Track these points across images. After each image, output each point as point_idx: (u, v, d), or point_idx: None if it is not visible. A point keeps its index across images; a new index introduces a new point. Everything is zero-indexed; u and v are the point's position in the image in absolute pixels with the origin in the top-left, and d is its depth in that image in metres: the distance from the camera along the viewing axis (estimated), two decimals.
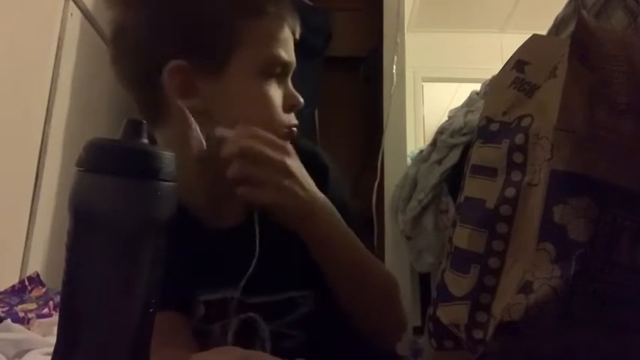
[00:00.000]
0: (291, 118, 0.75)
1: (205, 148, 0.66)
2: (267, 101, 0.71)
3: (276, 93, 0.72)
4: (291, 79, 0.76)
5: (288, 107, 0.73)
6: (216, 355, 0.52)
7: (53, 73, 1.36)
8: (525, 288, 0.43)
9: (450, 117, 1.78)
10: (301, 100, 0.75)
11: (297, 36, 0.77)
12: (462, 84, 2.71)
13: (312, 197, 0.67)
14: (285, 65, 0.73)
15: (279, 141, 0.66)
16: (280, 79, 0.73)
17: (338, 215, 0.71)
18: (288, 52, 0.73)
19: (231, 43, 0.68)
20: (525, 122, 0.50)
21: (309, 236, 0.68)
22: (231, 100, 0.69)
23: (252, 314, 0.67)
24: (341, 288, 0.71)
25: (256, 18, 0.70)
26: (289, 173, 0.65)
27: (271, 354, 0.55)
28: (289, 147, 0.67)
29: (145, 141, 0.38)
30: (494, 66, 0.69)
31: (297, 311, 0.73)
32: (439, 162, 1.68)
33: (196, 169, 0.69)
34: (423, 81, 2.64)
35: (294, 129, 0.75)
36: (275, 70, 0.71)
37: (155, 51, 0.67)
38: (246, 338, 0.68)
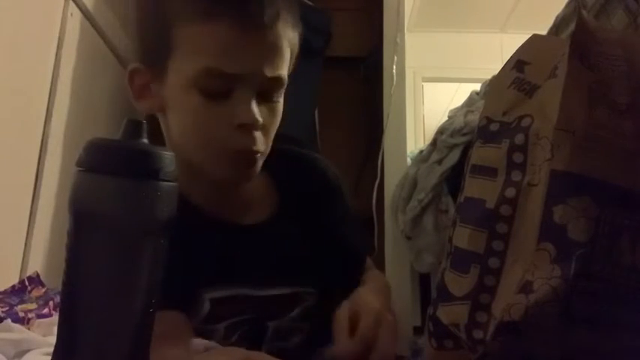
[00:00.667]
0: (245, 139, 0.63)
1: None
2: (200, 117, 0.63)
3: (217, 108, 0.62)
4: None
5: (236, 126, 0.62)
6: (218, 356, 0.52)
7: (53, 73, 1.36)
8: (525, 288, 0.43)
9: (450, 117, 1.78)
10: (254, 118, 0.62)
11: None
12: (462, 84, 2.71)
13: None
14: (225, 77, 0.62)
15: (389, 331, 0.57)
16: (233, 93, 0.63)
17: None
18: (235, 62, 0.61)
19: (168, 49, 0.64)
20: (525, 122, 0.50)
21: None
22: (171, 109, 0.66)
23: (256, 315, 0.67)
24: None
25: (198, 22, 0.61)
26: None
27: (277, 353, 0.55)
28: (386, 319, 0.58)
29: (145, 141, 0.38)
30: (494, 66, 0.69)
31: (303, 306, 0.74)
32: (439, 162, 1.68)
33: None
34: (423, 81, 2.64)
35: (257, 155, 0.65)
36: (212, 84, 0.62)
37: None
38: (249, 338, 0.68)
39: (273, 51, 0.64)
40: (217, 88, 0.62)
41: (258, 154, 0.66)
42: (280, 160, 0.74)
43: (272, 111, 0.67)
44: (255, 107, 0.63)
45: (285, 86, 0.69)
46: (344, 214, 0.80)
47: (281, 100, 0.69)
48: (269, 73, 0.64)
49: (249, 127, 0.63)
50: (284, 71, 0.67)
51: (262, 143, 0.66)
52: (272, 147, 0.78)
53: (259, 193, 0.76)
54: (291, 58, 0.70)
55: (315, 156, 0.84)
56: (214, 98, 0.63)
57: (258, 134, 0.64)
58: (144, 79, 0.68)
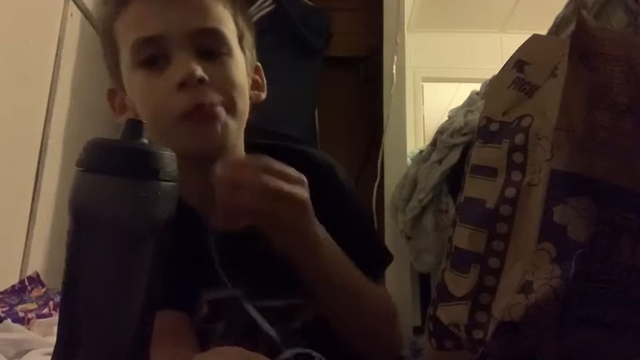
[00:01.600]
0: (191, 96, 0.62)
1: None
2: (145, 92, 0.64)
3: (159, 78, 0.63)
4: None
5: (176, 86, 0.61)
6: (216, 356, 0.52)
7: (53, 73, 1.37)
8: (525, 288, 0.43)
9: (450, 117, 1.78)
10: (191, 73, 0.61)
11: None
12: (462, 84, 2.71)
13: (320, 234, 0.62)
14: (154, 41, 0.63)
15: (294, 173, 0.59)
16: (167, 58, 0.63)
17: (337, 248, 0.65)
18: (155, 25, 0.63)
19: (114, 49, 0.68)
20: (525, 122, 0.50)
21: (310, 271, 0.63)
22: (132, 102, 0.68)
23: (256, 317, 0.66)
24: (336, 315, 0.67)
25: (122, 12, 0.65)
26: (305, 209, 0.60)
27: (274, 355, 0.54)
28: (303, 178, 0.60)
29: (145, 141, 0.38)
30: (494, 66, 0.69)
31: (299, 319, 0.72)
32: (439, 162, 1.68)
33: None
34: (423, 81, 2.63)
35: (212, 107, 0.63)
36: (144, 52, 0.63)
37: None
38: (249, 338, 0.68)
39: (191, 6, 0.65)
40: (152, 56, 0.63)
41: (213, 106, 0.63)
42: (282, 158, 0.72)
43: (219, 66, 0.65)
44: (193, 64, 0.62)
45: (229, 40, 0.67)
46: (355, 220, 0.76)
47: (230, 55, 0.67)
48: (197, 24, 0.64)
49: (190, 84, 0.61)
50: (218, 24, 0.66)
51: (215, 96, 0.63)
52: (272, 144, 0.75)
53: None
54: (233, 17, 0.70)
55: (334, 167, 0.79)
56: (155, 69, 0.63)
57: (205, 89, 0.62)
58: (120, 97, 0.71)
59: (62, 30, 1.39)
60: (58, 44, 1.38)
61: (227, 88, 0.65)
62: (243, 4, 0.73)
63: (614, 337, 0.43)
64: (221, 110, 0.63)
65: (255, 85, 0.76)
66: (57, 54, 1.37)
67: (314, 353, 0.60)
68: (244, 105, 0.69)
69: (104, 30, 0.69)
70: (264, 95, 0.77)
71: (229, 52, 0.67)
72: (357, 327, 0.68)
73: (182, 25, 0.63)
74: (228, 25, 0.68)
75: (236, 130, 0.67)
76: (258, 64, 0.78)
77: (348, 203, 0.76)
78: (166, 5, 0.63)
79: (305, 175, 0.65)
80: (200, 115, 0.62)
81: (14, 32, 1.17)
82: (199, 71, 0.61)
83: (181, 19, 0.64)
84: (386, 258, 0.80)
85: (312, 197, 0.64)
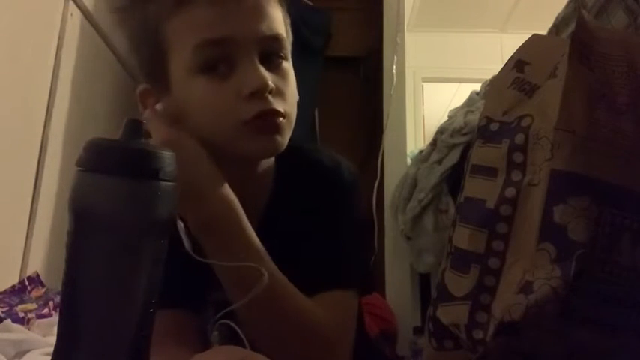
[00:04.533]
0: (260, 105, 0.61)
1: None
2: (208, 98, 0.62)
3: (222, 84, 0.61)
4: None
5: (246, 95, 0.60)
6: (214, 355, 0.52)
7: (53, 73, 1.36)
8: (525, 288, 0.43)
9: (450, 117, 1.78)
10: (263, 82, 0.60)
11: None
12: (462, 84, 2.71)
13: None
14: (220, 44, 0.61)
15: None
16: (231, 64, 0.61)
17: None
18: (222, 28, 0.61)
19: (163, 55, 0.64)
20: (525, 122, 0.50)
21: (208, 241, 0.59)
22: (182, 108, 0.64)
23: (228, 321, 0.61)
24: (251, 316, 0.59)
25: (176, 13, 0.62)
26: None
27: None
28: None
29: (145, 141, 0.38)
30: (494, 66, 0.69)
31: None
32: (439, 162, 1.68)
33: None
34: (423, 81, 2.63)
35: (279, 118, 0.62)
36: (207, 55, 0.61)
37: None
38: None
39: (258, 11, 0.63)
40: (215, 61, 0.61)
41: (281, 118, 0.62)
42: (291, 159, 0.71)
43: (281, 73, 0.65)
44: (264, 73, 0.61)
45: (287, 47, 0.66)
46: (332, 234, 0.69)
47: (288, 60, 0.67)
48: (264, 30, 0.62)
49: (260, 93, 0.60)
50: (279, 30, 0.65)
51: (278, 106, 0.62)
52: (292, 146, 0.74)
53: (252, 192, 0.72)
54: (286, 24, 0.68)
55: (340, 167, 0.75)
56: (218, 75, 0.61)
57: (271, 98, 0.61)
58: (154, 98, 0.67)
59: (62, 30, 1.39)
60: (58, 44, 1.38)
61: (287, 97, 0.65)
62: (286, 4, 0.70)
63: (614, 337, 0.43)
64: (282, 121, 0.63)
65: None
66: (57, 54, 1.37)
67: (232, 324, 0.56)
68: (295, 112, 0.68)
69: (146, 30, 0.65)
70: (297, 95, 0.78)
71: (286, 57, 0.67)
72: (266, 334, 0.61)
73: (249, 30, 0.62)
74: (283, 29, 0.67)
75: (289, 136, 0.66)
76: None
77: (336, 218, 0.72)
78: (233, 8, 0.61)
79: (308, 179, 0.66)
80: (263, 123, 0.61)
81: (14, 32, 1.17)
82: (271, 81, 0.61)
83: (249, 23, 0.62)
84: (344, 282, 0.68)
85: (310, 198, 0.66)
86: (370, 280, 0.83)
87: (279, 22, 0.66)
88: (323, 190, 0.71)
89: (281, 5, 0.68)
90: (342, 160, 0.76)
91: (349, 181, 0.73)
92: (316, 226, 0.68)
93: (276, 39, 0.64)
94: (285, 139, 0.65)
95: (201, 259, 0.56)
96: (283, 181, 0.73)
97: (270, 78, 0.61)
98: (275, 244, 0.67)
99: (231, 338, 0.57)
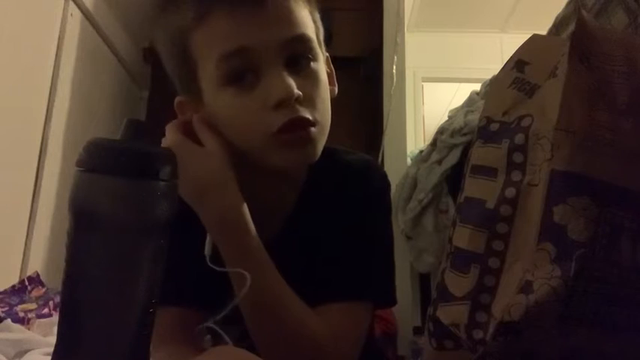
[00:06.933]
0: (287, 113, 0.59)
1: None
2: (235, 110, 0.60)
3: (249, 95, 0.60)
4: None
5: (272, 105, 0.58)
6: (215, 356, 0.52)
7: (53, 73, 1.37)
8: (525, 288, 0.43)
9: (450, 117, 1.78)
10: (289, 91, 0.58)
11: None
12: (462, 84, 2.71)
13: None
14: (240, 54, 0.59)
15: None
16: (257, 73, 0.60)
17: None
18: (241, 38, 0.59)
19: (190, 63, 0.63)
20: (525, 122, 0.50)
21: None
22: (214, 119, 0.64)
23: (212, 325, 0.58)
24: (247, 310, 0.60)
25: (198, 24, 0.60)
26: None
27: None
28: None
29: (145, 141, 0.38)
30: (494, 66, 0.69)
31: None
32: (439, 162, 1.68)
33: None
34: (423, 81, 2.63)
35: (310, 126, 0.61)
36: (230, 67, 0.59)
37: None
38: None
39: (278, 15, 0.60)
40: (240, 71, 0.59)
41: (311, 126, 0.61)
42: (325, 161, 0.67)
43: (310, 78, 0.62)
44: (289, 81, 0.59)
45: (315, 47, 0.64)
46: (372, 241, 0.68)
47: (318, 60, 0.64)
48: (285, 34, 0.60)
49: (286, 103, 0.58)
50: (304, 29, 0.62)
51: (308, 113, 0.60)
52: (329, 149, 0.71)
53: (282, 192, 0.70)
54: (315, 20, 0.66)
55: (369, 170, 0.73)
56: (245, 85, 0.60)
57: (299, 106, 0.60)
58: (191, 109, 0.66)
59: (62, 30, 1.39)
60: (58, 44, 1.38)
61: (317, 103, 0.63)
62: None
63: (613, 337, 0.43)
64: (313, 130, 0.62)
65: (329, 79, 0.73)
66: (57, 54, 1.37)
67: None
68: (329, 116, 0.67)
69: (174, 42, 0.64)
70: (336, 89, 0.74)
71: (314, 57, 0.64)
72: (258, 340, 0.61)
73: (269, 36, 0.60)
74: (310, 25, 0.65)
75: (323, 144, 0.65)
76: (327, 54, 0.73)
77: (364, 223, 0.70)
78: (251, 16, 0.59)
79: (338, 182, 0.67)
80: (293, 136, 0.60)
81: (14, 32, 1.17)
82: (296, 90, 0.59)
83: (268, 29, 0.60)
84: (359, 291, 0.67)
85: (338, 201, 0.66)
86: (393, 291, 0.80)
87: (303, 21, 0.63)
88: (352, 193, 0.69)
89: (307, 1, 0.65)
90: (373, 163, 0.75)
91: (379, 186, 0.72)
92: (340, 231, 0.66)
93: (300, 40, 0.62)
94: (318, 148, 0.63)
95: (212, 265, 0.57)
96: (313, 182, 0.71)
97: (295, 85, 0.59)
98: (298, 245, 0.67)
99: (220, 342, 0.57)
